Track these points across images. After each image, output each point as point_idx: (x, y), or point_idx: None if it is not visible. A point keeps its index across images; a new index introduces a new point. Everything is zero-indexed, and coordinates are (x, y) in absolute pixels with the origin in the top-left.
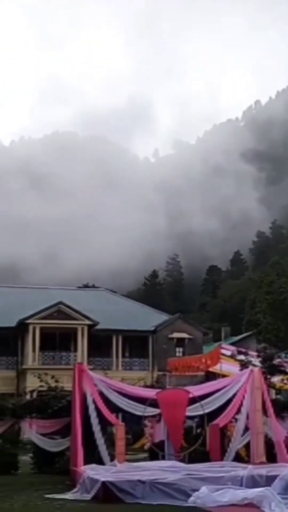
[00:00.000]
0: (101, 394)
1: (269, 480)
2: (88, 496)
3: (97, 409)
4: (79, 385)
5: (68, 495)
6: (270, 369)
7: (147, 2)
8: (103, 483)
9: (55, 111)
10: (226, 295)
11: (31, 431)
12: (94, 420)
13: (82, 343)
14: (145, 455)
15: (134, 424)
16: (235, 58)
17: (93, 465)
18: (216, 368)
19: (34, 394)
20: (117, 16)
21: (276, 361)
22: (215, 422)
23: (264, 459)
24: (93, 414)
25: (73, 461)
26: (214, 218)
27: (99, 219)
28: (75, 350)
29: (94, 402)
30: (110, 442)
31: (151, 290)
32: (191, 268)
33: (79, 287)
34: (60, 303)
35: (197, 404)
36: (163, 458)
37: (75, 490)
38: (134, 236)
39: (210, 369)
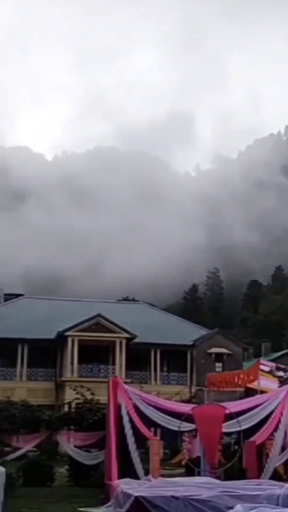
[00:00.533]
0: (136, 407)
1: None
2: (121, 511)
3: (132, 422)
4: (114, 398)
5: (102, 509)
6: None
7: (188, 15)
8: (136, 498)
9: (97, 126)
10: (267, 310)
11: (67, 443)
12: (128, 433)
13: (120, 356)
14: (182, 470)
15: (172, 439)
16: (277, 71)
17: (127, 480)
18: (254, 384)
19: (71, 407)
20: (158, 29)
21: None
22: (252, 439)
23: None
24: (127, 428)
25: (107, 475)
26: (255, 232)
27: (140, 233)
28: (113, 363)
29: (128, 415)
30: (146, 456)
31: (191, 305)
32: (232, 282)
33: (119, 300)
34: (99, 315)
35: (234, 420)
36: (199, 474)
37: (108, 504)
38: (174, 249)
39: (249, 385)
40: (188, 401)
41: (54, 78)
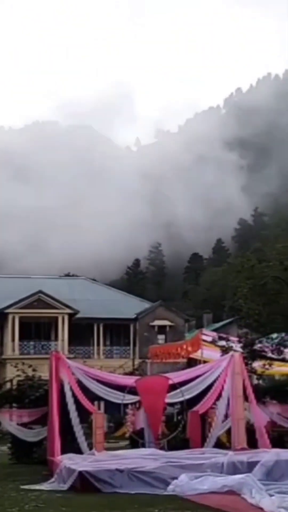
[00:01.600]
0: (79, 382)
1: (250, 467)
2: (64, 486)
3: (74, 397)
4: (56, 374)
5: (44, 486)
6: (251, 355)
7: None
8: (80, 472)
9: (35, 100)
10: (208, 282)
11: (9, 421)
12: (71, 408)
13: (63, 332)
14: (126, 443)
15: (116, 412)
16: (215, 45)
17: (71, 455)
18: (197, 355)
19: (13, 384)
20: (100, 8)
21: (257, 346)
22: (195, 408)
23: (245, 445)
24: (70, 403)
25: (50, 451)
26: (196, 206)
27: (82, 208)
28: (56, 339)
29: (71, 390)
30: (90, 431)
31: (134, 279)
32: (174, 256)
33: (62, 276)
34: (40, 292)
35: (177, 390)
36: (143, 446)
37: (51, 480)
38: (117, 225)
39: (191, 356)
40: (131, 374)
41: None
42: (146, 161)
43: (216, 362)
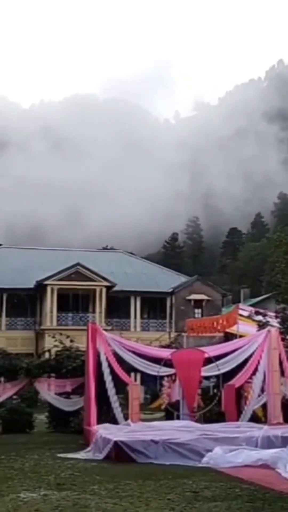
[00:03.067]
0: (116, 354)
1: (284, 441)
2: (100, 456)
3: (111, 368)
4: (93, 345)
5: (81, 455)
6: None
7: None
8: (115, 442)
9: (73, 73)
10: (247, 257)
11: (47, 390)
12: (108, 379)
13: (100, 305)
14: (162, 415)
15: (152, 384)
16: (255, 18)
17: (106, 425)
18: (233, 329)
19: (51, 354)
20: None
21: None
22: (231, 382)
23: (281, 419)
24: (106, 373)
25: (87, 421)
26: (236, 180)
27: (121, 181)
28: (93, 311)
29: (107, 361)
30: (127, 402)
31: (171, 253)
32: (212, 230)
33: (99, 249)
34: (78, 264)
35: (213, 364)
36: (178, 418)
37: (87, 449)
38: (156, 198)
39: (228, 330)
40: (167, 347)
41: (30, 23)
42: (185, 133)
43: (253, 337)
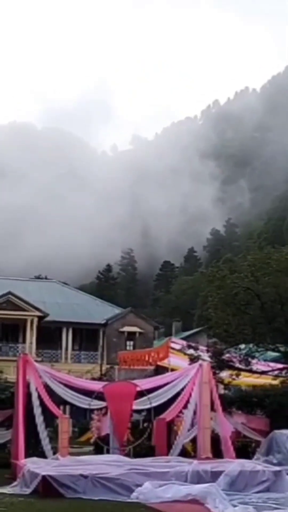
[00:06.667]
0: (46, 386)
1: (214, 476)
2: (27, 491)
3: (41, 401)
4: (23, 376)
5: (7, 489)
6: (219, 364)
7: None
8: (44, 477)
9: (11, 101)
10: (179, 290)
11: None
12: (37, 412)
13: (31, 335)
14: (91, 448)
15: (82, 417)
16: (192, 59)
17: (35, 458)
18: (165, 362)
19: None
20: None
21: (225, 356)
22: (162, 416)
23: (210, 454)
24: (35, 406)
25: (14, 454)
26: (169, 214)
27: (59, 209)
28: (24, 341)
29: (37, 393)
30: (56, 435)
31: (105, 284)
32: (146, 263)
33: (32, 278)
34: (9, 293)
35: (145, 397)
36: (108, 452)
37: (14, 484)
38: (93, 228)
39: (159, 363)
40: (99, 379)
41: None
42: (122, 166)
43: (185, 370)
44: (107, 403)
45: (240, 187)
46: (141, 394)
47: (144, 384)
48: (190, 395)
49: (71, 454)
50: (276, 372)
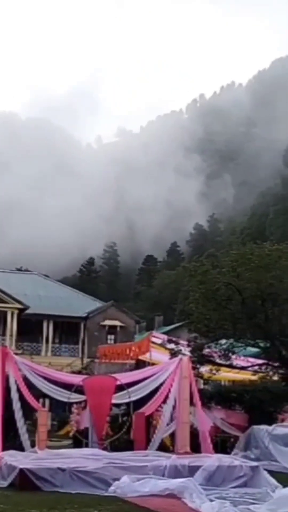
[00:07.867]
0: (25, 378)
1: (191, 471)
2: (4, 484)
3: (20, 394)
4: (2, 369)
5: None
6: (199, 359)
7: None
8: (21, 470)
9: None
10: (161, 285)
11: None
12: (16, 405)
13: (11, 327)
14: (69, 442)
15: (61, 410)
16: (178, 52)
17: (12, 452)
18: (145, 357)
19: None
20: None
21: (206, 351)
22: (141, 410)
23: (188, 449)
24: (14, 399)
25: None
26: (154, 208)
27: (43, 200)
28: (4, 334)
29: (16, 386)
30: (34, 428)
31: (87, 277)
32: (129, 257)
33: (13, 270)
34: None
35: (124, 391)
36: (87, 445)
37: None
38: (76, 220)
39: (140, 357)
40: (79, 373)
41: None
42: (107, 159)
43: (165, 365)
44: (86, 397)
45: (225, 182)
46: (120, 388)
47: (124, 378)
48: (170, 389)
49: (50, 447)
50: (255, 368)
